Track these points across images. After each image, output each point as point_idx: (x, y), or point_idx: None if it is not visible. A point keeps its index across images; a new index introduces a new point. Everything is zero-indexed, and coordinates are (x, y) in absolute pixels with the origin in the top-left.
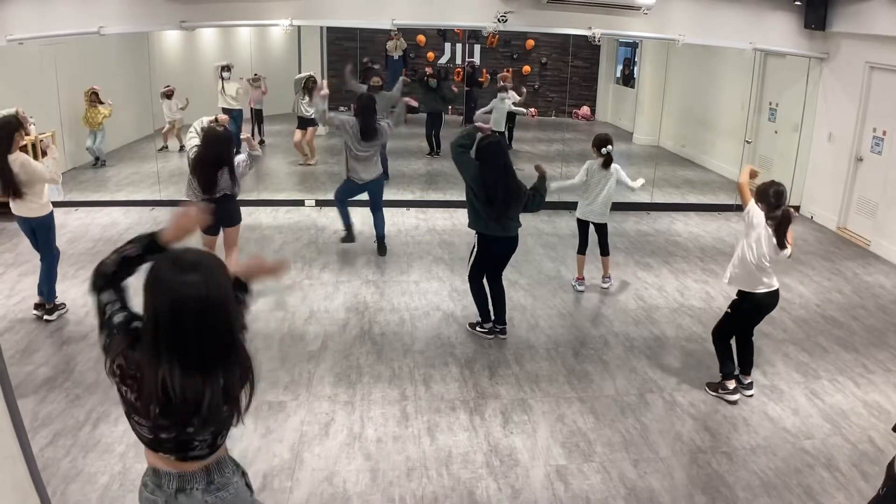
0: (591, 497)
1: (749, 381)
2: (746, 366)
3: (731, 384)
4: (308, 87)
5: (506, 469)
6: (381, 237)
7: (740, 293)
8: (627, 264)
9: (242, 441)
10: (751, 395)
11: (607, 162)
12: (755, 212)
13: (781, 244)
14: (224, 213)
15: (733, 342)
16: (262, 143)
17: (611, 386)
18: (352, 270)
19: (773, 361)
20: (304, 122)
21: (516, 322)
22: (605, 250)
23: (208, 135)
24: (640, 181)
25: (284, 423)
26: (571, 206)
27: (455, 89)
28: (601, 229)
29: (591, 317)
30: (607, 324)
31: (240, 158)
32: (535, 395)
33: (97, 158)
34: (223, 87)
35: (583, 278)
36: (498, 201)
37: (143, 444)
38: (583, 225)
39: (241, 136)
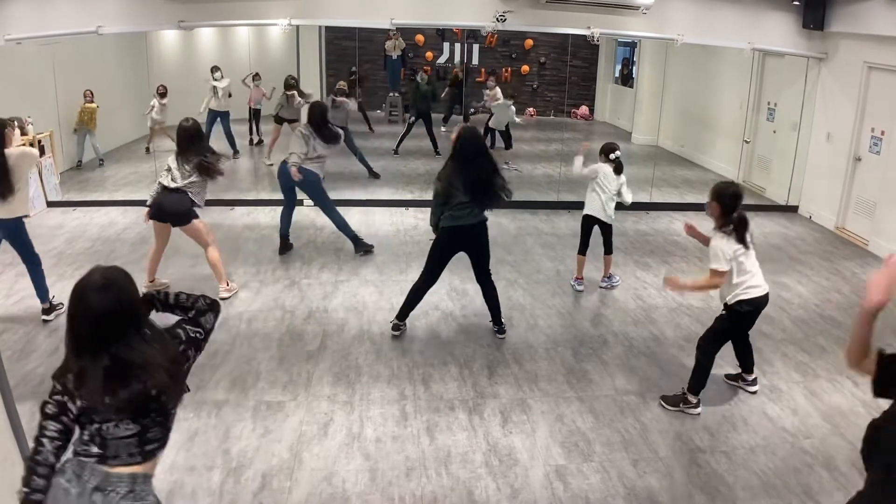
0: (590, 496)
1: (753, 377)
2: (750, 365)
3: (695, 398)
4: (287, 83)
5: (505, 469)
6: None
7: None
8: (626, 264)
9: (241, 441)
10: (755, 392)
11: (618, 169)
12: (725, 247)
13: (745, 244)
14: (165, 207)
15: (725, 349)
16: (260, 142)
17: (610, 385)
18: (351, 270)
19: (771, 361)
20: (281, 122)
21: (515, 322)
22: (608, 249)
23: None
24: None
25: (283, 422)
26: (570, 206)
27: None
28: (606, 228)
29: (590, 316)
30: (606, 323)
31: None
32: (534, 394)
33: (80, 161)
34: (213, 88)
35: (582, 278)
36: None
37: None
38: (587, 224)
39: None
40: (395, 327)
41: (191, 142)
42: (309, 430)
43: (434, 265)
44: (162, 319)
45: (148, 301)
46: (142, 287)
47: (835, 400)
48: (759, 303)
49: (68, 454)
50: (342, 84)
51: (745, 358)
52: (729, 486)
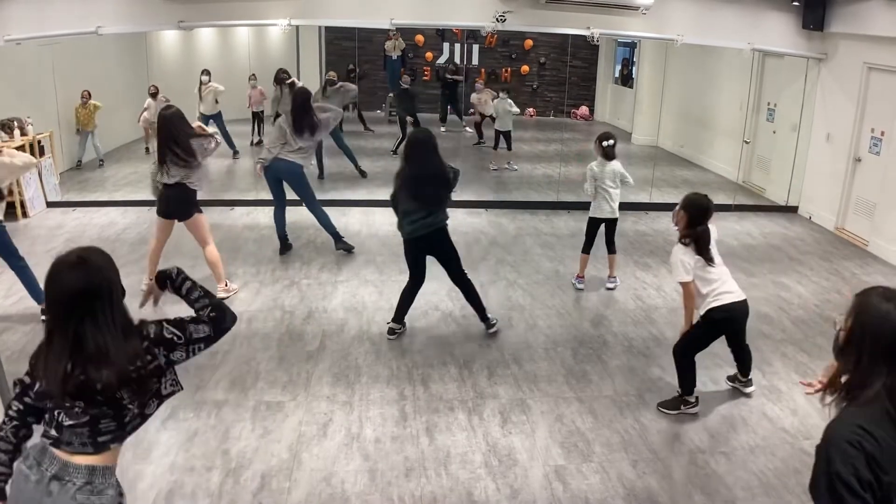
0: (589, 497)
1: (747, 378)
2: (746, 368)
3: (692, 397)
4: (277, 77)
5: (504, 469)
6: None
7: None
8: (626, 264)
9: (241, 441)
10: (749, 394)
11: (608, 155)
12: (683, 258)
13: (708, 259)
14: (171, 203)
15: (725, 350)
16: (260, 142)
17: (609, 386)
18: (350, 270)
19: (771, 361)
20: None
21: (514, 322)
22: (611, 248)
23: (160, 115)
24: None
25: (282, 423)
26: (570, 207)
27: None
28: (611, 225)
29: (589, 317)
30: (606, 324)
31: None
32: (533, 395)
33: (79, 161)
34: (200, 90)
35: (583, 277)
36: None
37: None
38: (593, 224)
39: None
40: (391, 331)
41: (167, 132)
42: (308, 430)
43: (412, 269)
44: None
45: (161, 278)
46: (142, 286)
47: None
48: (733, 308)
49: (36, 440)
50: (332, 74)
51: (741, 361)
52: (728, 486)
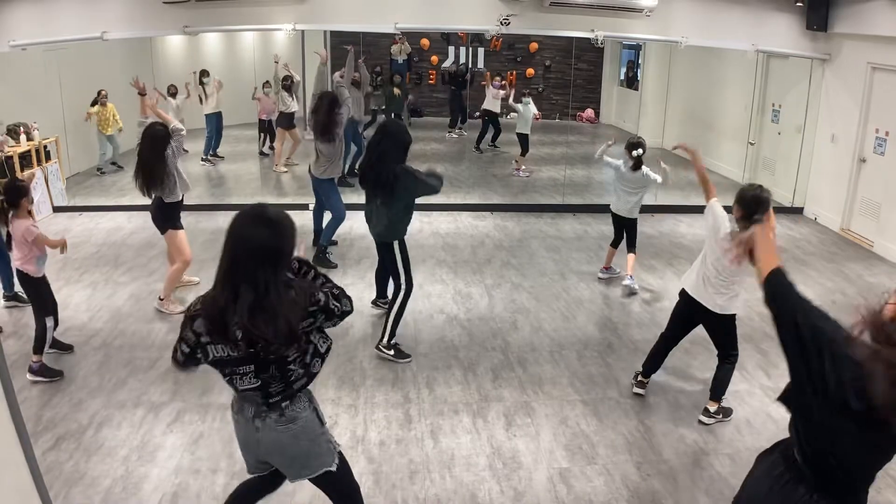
0: (593, 499)
1: (706, 407)
2: (713, 391)
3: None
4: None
5: (509, 472)
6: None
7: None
8: (641, 269)
9: None
10: (707, 424)
11: (636, 165)
12: (717, 210)
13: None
14: (153, 216)
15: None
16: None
17: (614, 388)
18: (355, 273)
19: (776, 363)
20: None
21: (520, 325)
22: (630, 247)
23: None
24: (663, 172)
25: None
26: (575, 210)
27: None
28: (630, 225)
29: (594, 319)
30: (611, 326)
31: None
32: (538, 397)
33: (99, 169)
34: (204, 92)
35: (608, 268)
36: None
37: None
38: (613, 218)
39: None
40: (374, 302)
41: (157, 149)
42: None
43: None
44: None
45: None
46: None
47: None
48: (690, 300)
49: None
50: (356, 75)
51: (714, 382)
52: (733, 488)
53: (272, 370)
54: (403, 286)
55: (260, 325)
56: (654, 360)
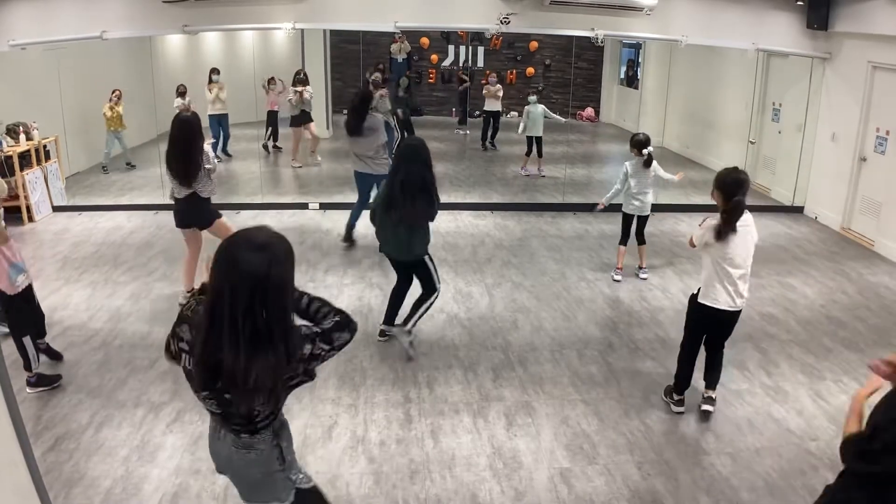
0: (594, 499)
1: (709, 395)
2: (709, 380)
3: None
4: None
5: (509, 472)
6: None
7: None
8: (632, 265)
9: None
10: (706, 412)
11: (648, 162)
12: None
13: (728, 229)
14: (186, 215)
15: (727, 352)
16: (276, 148)
17: (615, 388)
18: (356, 273)
19: (777, 362)
20: (297, 120)
21: (520, 324)
22: (640, 239)
23: (182, 118)
24: (678, 175)
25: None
26: (576, 209)
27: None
28: (642, 220)
29: (595, 319)
30: (611, 326)
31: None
32: (538, 397)
33: (104, 167)
34: (211, 90)
35: (622, 268)
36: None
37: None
38: (627, 218)
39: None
40: (382, 333)
41: (189, 135)
42: (313, 432)
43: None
44: None
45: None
46: (180, 299)
47: (840, 401)
48: (712, 313)
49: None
50: (377, 75)
51: (708, 371)
52: (734, 488)
53: (234, 407)
54: (440, 289)
55: (235, 373)
56: (684, 372)
